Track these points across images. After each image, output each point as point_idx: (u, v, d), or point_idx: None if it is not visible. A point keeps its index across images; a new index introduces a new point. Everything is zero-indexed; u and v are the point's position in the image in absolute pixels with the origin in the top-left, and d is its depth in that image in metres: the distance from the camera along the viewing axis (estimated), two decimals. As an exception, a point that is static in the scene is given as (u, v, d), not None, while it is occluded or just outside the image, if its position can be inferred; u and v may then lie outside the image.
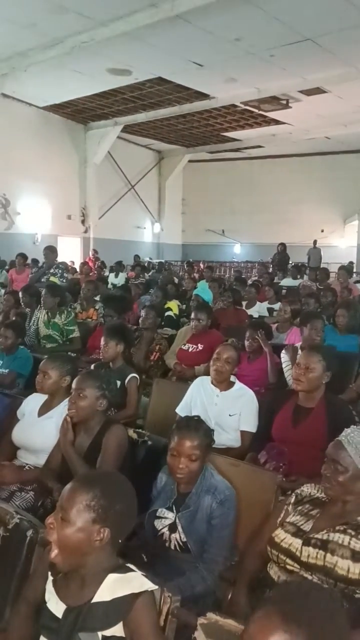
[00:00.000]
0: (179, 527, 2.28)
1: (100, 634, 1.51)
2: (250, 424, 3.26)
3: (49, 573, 1.66)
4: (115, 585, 1.53)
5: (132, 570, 1.57)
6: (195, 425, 2.36)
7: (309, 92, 13.05)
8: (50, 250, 7.99)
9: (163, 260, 19.02)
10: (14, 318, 5.80)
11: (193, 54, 10.96)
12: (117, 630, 1.51)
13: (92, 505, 1.55)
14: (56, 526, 1.54)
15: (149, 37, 9.88)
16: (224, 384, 3.39)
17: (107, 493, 1.58)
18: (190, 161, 21.52)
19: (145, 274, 13.75)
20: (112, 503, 1.57)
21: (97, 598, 1.54)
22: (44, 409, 3.08)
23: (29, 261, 12.29)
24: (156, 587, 1.55)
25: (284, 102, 14.10)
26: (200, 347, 4.78)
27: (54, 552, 1.53)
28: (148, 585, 1.53)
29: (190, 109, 14.91)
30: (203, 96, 13.98)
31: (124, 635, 1.51)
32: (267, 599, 1.35)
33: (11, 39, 10.42)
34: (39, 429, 2.99)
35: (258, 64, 11.26)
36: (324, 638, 1.12)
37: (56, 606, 1.60)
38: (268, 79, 12.32)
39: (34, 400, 3.17)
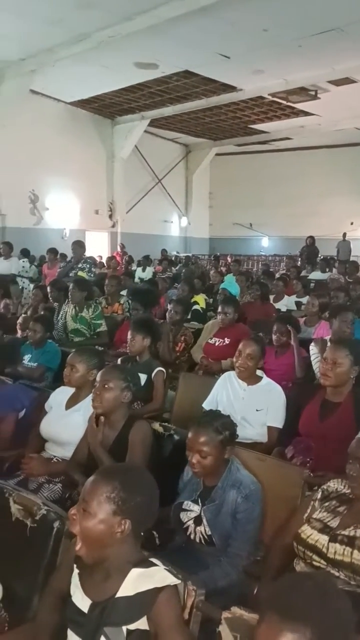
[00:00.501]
0: (204, 520, 2.28)
1: (124, 628, 1.52)
2: (278, 420, 3.24)
3: (75, 566, 1.67)
4: (139, 580, 1.54)
5: (155, 564, 1.58)
6: (206, 421, 2.33)
7: (337, 82, 12.81)
8: (78, 245, 8.05)
9: (190, 254, 19.00)
10: (42, 312, 5.87)
11: (219, 46, 10.87)
12: (141, 623, 1.52)
13: (113, 497, 1.56)
14: (79, 518, 1.56)
15: (175, 30, 9.82)
16: (250, 378, 3.37)
17: (128, 485, 1.59)
18: (217, 154, 21.39)
19: (173, 268, 13.75)
20: (132, 495, 1.58)
21: (120, 593, 1.55)
22: (72, 402, 3.11)
23: (57, 256, 12.44)
24: (179, 581, 1.55)
25: (313, 92, 13.87)
26: (227, 341, 4.76)
27: (79, 545, 1.55)
28: (171, 579, 1.54)
29: (217, 101, 14.80)
30: (230, 88, 13.86)
31: (148, 629, 1.51)
32: (263, 602, 1.33)
33: (39, 35, 10.50)
34: (66, 422, 3.02)
35: (286, 55, 11.10)
36: (331, 622, 1.13)
37: (81, 600, 1.61)
38: (296, 70, 12.14)
39: (62, 393, 3.20)
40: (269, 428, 3.24)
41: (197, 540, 2.29)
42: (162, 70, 12.50)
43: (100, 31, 9.98)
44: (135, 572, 1.56)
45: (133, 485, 1.62)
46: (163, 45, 10.75)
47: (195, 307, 6.95)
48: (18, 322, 5.51)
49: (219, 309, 4.97)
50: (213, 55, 11.33)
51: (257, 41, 10.43)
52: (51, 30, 10.15)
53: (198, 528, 2.29)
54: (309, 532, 2.01)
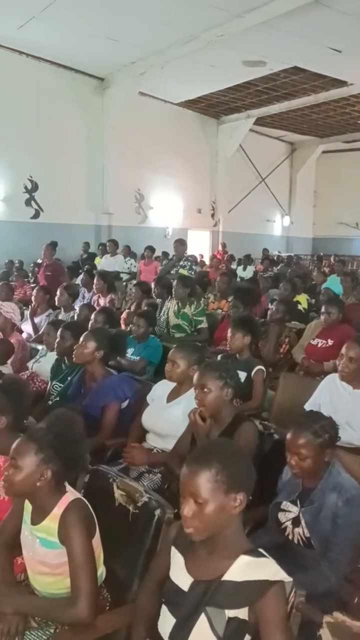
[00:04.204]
0: (302, 522, 2.24)
1: (227, 612, 1.52)
2: (384, 425, 3.10)
3: (173, 547, 1.71)
4: (248, 568, 1.54)
5: (264, 555, 1.58)
6: (305, 422, 2.27)
7: None
8: (180, 243, 8.17)
9: (292, 254, 18.66)
10: (145, 308, 6.02)
11: (331, 39, 10.57)
12: (242, 613, 1.51)
13: (218, 479, 1.56)
14: (194, 514, 1.55)
15: (285, 26, 9.69)
16: (355, 381, 3.25)
17: (227, 461, 1.59)
18: (324, 152, 20.83)
19: (274, 267, 13.58)
20: (235, 467, 1.59)
21: (227, 576, 1.55)
22: (173, 396, 3.16)
23: (159, 254, 12.73)
24: (290, 579, 1.54)
25: None
26: (330, 342, 4.62)
27: (190, 530, 1.57)
28: (283, 575, 1.53)
29: (325, 97, 14.44)
30: (340, 83, 13.46)
31: (247, 619, 1.51)
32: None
33: (150, 37, 10.77)
34: (167, 415, 3.08)
35: None
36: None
37: (182, 578, 1.64)
38: None
39: (163, 386, 3.27)
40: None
41: (295, 541, 2.25)
42: (269, 68, 12.38)
43: (210, 30, 10.07)
44: (244, 559, 1.56)
45: (231, 458, 1.62)
46: (272, 41, 10.64)
47: (297, 307, 6.81)
48: (122, 317, 5.70)
49: (323, 309, 4.84)
50: (323, 49, 11.05)
51: (371, 33, 10.04)
52: (162, 32, 10.39)
53: (296, 529, 2.25)
54: None
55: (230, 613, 1.52)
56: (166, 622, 1.64)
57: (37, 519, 1.96)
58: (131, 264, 11.73)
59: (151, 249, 10.90)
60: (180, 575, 1.65)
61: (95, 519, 1.99)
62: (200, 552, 1.62)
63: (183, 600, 1.60)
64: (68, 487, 2.01)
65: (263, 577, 1.51)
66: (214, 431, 2.73)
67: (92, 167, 13.95)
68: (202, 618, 1.54)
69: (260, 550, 1.59)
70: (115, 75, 13.36)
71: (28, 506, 2.01)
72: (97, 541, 1.98)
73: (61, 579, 1.92)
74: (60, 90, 13.08)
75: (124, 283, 9.97)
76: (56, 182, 13.24)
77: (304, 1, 8.52)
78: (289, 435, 2.26)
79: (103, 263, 10.27)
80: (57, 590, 1.95)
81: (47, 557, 1.93)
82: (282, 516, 2.30)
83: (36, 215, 13.33)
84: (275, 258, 16.47)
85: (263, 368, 3.89)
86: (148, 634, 1.73)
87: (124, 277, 10.41)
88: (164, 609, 1.66)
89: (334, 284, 8.43)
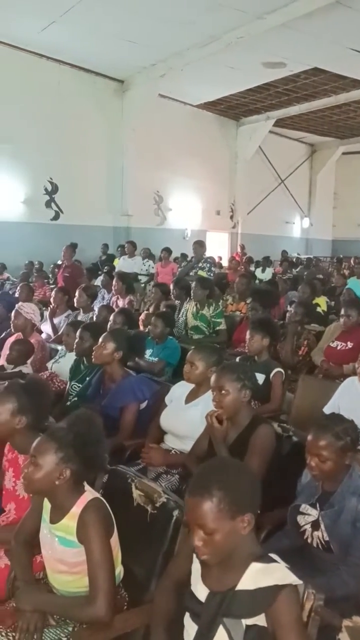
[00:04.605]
0: (322, 526, 2.22)
1: (243, 621, 1.52)
2: None
3: (194, 556, 1.70)
4: (259, 575, 1.53)
5: (275, 560, 1.57)
6: (326, 424, 2.25)
7: None
8: (199, 245, 8.17)
9: (311, 256, 18.55)
10: (164, 309, 6.03)
11: (352, 40, 10.50)
12: (260, 620, 1.51)
13: (223, 507, 1.52)
14: (205, 542, 1.53)
15: (306, 27, 9.64)
16: (375, 384, 3.23)
17: (228, 486, 1.55)
18: (344, 153, 20.67)
19: (293, 269, 13.52)
20: (238, 490, 1.56)
21: (241, 586, 1.55)
22: (191, 397, 3.16)
23: (177, 255, 12.74)
24: (300, 581, 1.53)
25: None
26: (349, 345, 4.59)
27: (204, 557, 1.54)
28: (292, 578, 1.52)
29: (346, 98, 14.34)
30: (361, 84, 13.36)
31: (266, 625, 1.50)
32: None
33: (170, 39, 10.80)
34: (185, 416, 3.08)
35: None
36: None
37: (200, 590, 1.64)
38: None
39: (181, 388, 3.27)
40: None
41: (315, 545, 2.23)
42: (289, 69, 12.34)
43: (230, 32, 10.06)
44: (255, 566, 1.55)
45: (232, 482, 1.58)
46: (292, 43, 10.60)
47: (317, 309, 6.77)
48: (140, 318, 5.72)
49: (342, 312, 4.80)
50: (344, 50, 10.98)
51: (393, 33, 9.96)
52: (182, 34, 10.40)
53: (315, 533, 2.24)
54: None
55: (247, 621, 1.52)
56: (190, 630, 1.64)
57: (56, 517, 1.98)
58: (149, 266, 11.78)
59: (168, 250, 10.91)
60: (198, 586, 1.65)
61: (114, 519, 2.00)
62: (215, 567, 1.62)
63: (202, 612, 1.60)
64: (87, 487, 2.02)
65: (272, 583, 1.50)
66: (231, 433, 2.72)
67: (111, 169, 14.03)
68: (221, 629, 1.54)
69: (271, 555, 1.58)
70: (135, 77, 13.42)
71: (47, 505, 2.03)
72: (115, 540, 1.99)
73: (79, 577, 1.93)
74: (80, 92, 13.17)
75: (142, 285, 10.00)
76: (76, 184, 13.33)
77: (324, 2, 8.47)
78: (309, 437, 2.25)
79: (121, 264, 10.31)
80: (75, 588, 1.96)
81: (65, 555, 1.94)
82: (301, 519, 2.29)
83: (56, 217, 13.43)
84: (294, 260, 16.39)
85: (282, 370, 3.88)
86: (167, 634, 1.73)
87: (142, 278, 10.44)
88: (187, 618, 1.67)
89: (355, 286, 8.37)
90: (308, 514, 2.28)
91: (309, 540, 2.25)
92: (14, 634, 1.84)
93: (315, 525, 2.24)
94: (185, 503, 1.59)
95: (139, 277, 10.24)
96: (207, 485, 1.54)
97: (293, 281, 9.83)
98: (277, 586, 1.50)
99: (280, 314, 6.58)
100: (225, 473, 1.61)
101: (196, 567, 1.69)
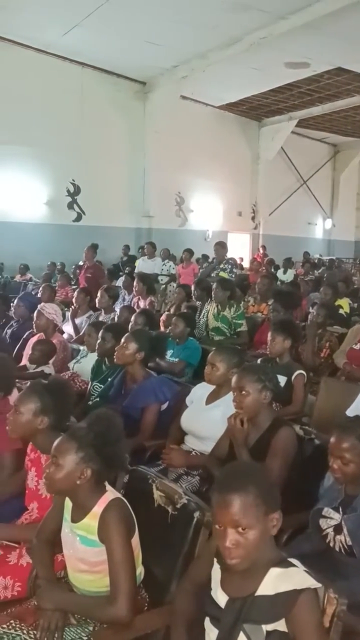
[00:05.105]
0: (345, 530, 2.19)
1: (264, 627, 1.51)
2: None
3: (215, 560, 1.69)
4: (278, 580, 1.52)
5: (293, 565, 1.55)
6: (350, 427, 2.22)
7: None
8: (221, 246, 8.14)
9: (334, 257, 18.38)
10: (185, 310, 6.03)
11: (376, 39, 10.39)
12: (280, 625, 1.50)
13: (259, 502, 1.53)
14: (238, 543, 1.52)
15: (330, 27, 9.57)
16: None
17: (262, 483, 1.57)
18: (368, 153, 20.49)
19: (315, 270, 13.40)
20: (269, 487, 1.58)
21: (260, 591, 1.53)
22: (212, 398, 3.15)
23: (198, 256, 12.73)
24: (319, 585, 1.51)
25: None
26: (372, 347, 4.53)
27: (235, 561, 1.52)
28: (311, 582, 1.50)
29: (370, 98, 14.20)
30: (385, 84, 13.22)
31: (287, 631, 1.49)
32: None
33: (192, 41, 10.81)
34: (206, 417, 3.07)
35: None
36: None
37: (219, 595, 1.62)
38: None
39: (202, 389, 3.26)
40: None
41: (337, 549, 2.20)
42: (313, 69, 12.26)
43: (253, 33, 10.03)
44: (274, 571, 1.54)
45: (263, 479, 1.61)
46: (315, 43, 10.53)
47: (339, 311, 6.69)
48: (161, 319, 5.72)
49: (366, 314, 4.75)
50: (368, 49, 10.87)
51: None
52: (205, 36, 10.41)
53: (338, 537, 2.21)
54: None
55: (268, 627, 1.50)
56: (211, 634, 1.63)
57: (77, 516, 1.98)
58: (170, 266, 11.80)
59: (189, 251, 10.92)
60: (217, 592, 1.63)
61: (135, 519, 2.00)
62: (233, 574, 1.60)
63: (222, 618, 1.59)
64: (108, 487, 2.03)
65: (292, 587, 1.49)
66: (252, 435, 2.71)
67: (133, 171, 14.08)
68: (242, 636, 1.53)
69: (290, 559, 1.56)
70: (157, 79, 13.46)
71: (68, 504, 2.04)
72: (136, 541, 1.99)
73: (100, 577, 1.93)
74: (102, 94, 13.26)
75: (163, 285, 10.01)
76: (98, 186, 13.42)
77: (347, 1, 8.40)
78: (332, 439, 2.22)
79: (140, 266, 10.33)
80: (96, 588, 1.96)
81: (86, 555, 1.95)
82: (323, 523, 2.26)
83: (78, 218, 13.53)
84: (316, 261, 16.26)
85: (304, 372, 3.84)
86: (187, 636, 1.73)
87: (163, 279, 10.45)
88: (207, 622, 1.66)
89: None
90: (330, 518, 2.25)
91: (332, 544, 2.22)
92: (35, 632, 1.84)
93: (337, 529, 2.21)
94: (216, 502, 1.56)
95: (159, 278, 10.25)
96: (241, 482, 1.54)
97: (315, 282, 9.75)
98: (295, 590, 1.48)
99: (302, 316, 6.53)
100: (254, 471, 1.66)
101: (216, 572, 1.68)
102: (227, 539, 1.50)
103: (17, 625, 1.86)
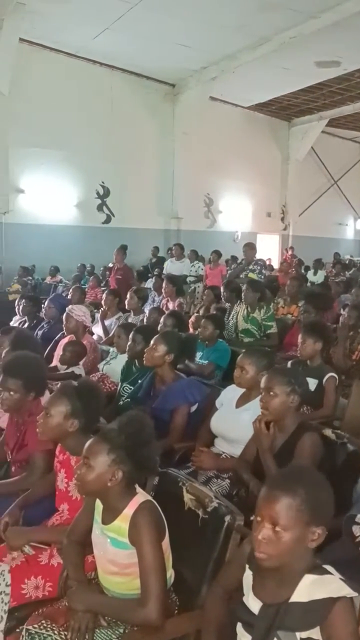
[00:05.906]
0: (379, 537, 2.14)
1: (298, 635, 1.48)
2: None
3: (247, 566, 1.67)
4: (313, 587, 1.50)
5: (329, 572, 1.52)
6: None
7: None
8: (250, 247, 8.10)
9: (365, 258, 18.12)
10: (214, 312, 6.01)
11: None
12: (315, 633, 1.47)
13: (304, 509, 1.51)
14: (270, 539, 1.51)
15: (360, 24, 9.45)
16: None
17: (313, 490, 1.54)
18: None
19: (346, 272, 13.23)
20: (320, 499, 1.54)
21: (294, 598, 1.51)
22: (242, 401, 3.13)
23: (227, 257, 12.69)
24: (356, 593, 1.48)
25: None
26: None
27: (262, 555, 1.52)
28: (347, 590, 1.47)
29: None
30: None
31: (321, 639, 1.46)
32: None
33: (222, 42, 10.80)
34: (236, 420, 3.05)
35: None
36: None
37: (252, 602, 1.61)
38: None
39: (232, 391, 3.23)
40: None
41: (371, 556, 2.16)
42: (344, 68, 12.11)
43: (282, 33, 9.97)
44: (309, 578, 1.51)
45: (317, 488, 1.57)
46: (346, 41, 10.40)
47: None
48: (190, 320, 5.71)
49: None
50: None
51: None
52: (234, 37, 10.38)
53: (372, 544, 2.16)
54: None
55: (302, 635, 1.48)
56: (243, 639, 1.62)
57: (108, 518, 1.98)
58: (199, 267, 11.79)
59: (217, 253, 10.88)
60: (250, 597, 1.62)
61: (165, 522, 1.99)
62: (268, 574, 1.58)
63: (255, 624, 1.57)
64: (138, 489, 2.02)
65: (327, 595, 1.46)
66: (277, 440, 2.67)
67: (162, 172, 14.13)
68: None
69: (325, 566, 1.54)
70: (186, 81, 13.48)
71: (99, 505, 2.04)
72: (166, 544, 1.98)
73: (130, 579, 1.93)
74: (132, 97, 13.34)
75: (192, 287, 10.00)
76: (127, 188, 13.50)
77: (380, -2, 8.29)
78: None
79: (169, 267, 10.34)
80: (126, 590, 1.96)
81: (117, 556, 1.95)
82: (356, 529, 2.22)
83: (107, 220, 13.63)
84: (347, 262, 16.04)
85: (335, 375, 3.79)
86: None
87: (191, 280, 10.44)
88: (240, 627, 1.64)
89: None
90: (364, 524, 2.21)
91: (365, 552, 2.18)
92: (66, 632, 1.85)
93: (371, 536, 2.17)
94: (263, 495, 1.57)
95: (188, 279, 10.24)
96: (294, 483, 1.54)
97: (346, 284, 9.62)
98: (331, 599, 1.46)
99: (333, 318, 6.44)
100: (313, 477, 1.62)
101: (247, 578, 1.66)
102: (261, 532, 1.51)
103: (49, 626, 1.87)
